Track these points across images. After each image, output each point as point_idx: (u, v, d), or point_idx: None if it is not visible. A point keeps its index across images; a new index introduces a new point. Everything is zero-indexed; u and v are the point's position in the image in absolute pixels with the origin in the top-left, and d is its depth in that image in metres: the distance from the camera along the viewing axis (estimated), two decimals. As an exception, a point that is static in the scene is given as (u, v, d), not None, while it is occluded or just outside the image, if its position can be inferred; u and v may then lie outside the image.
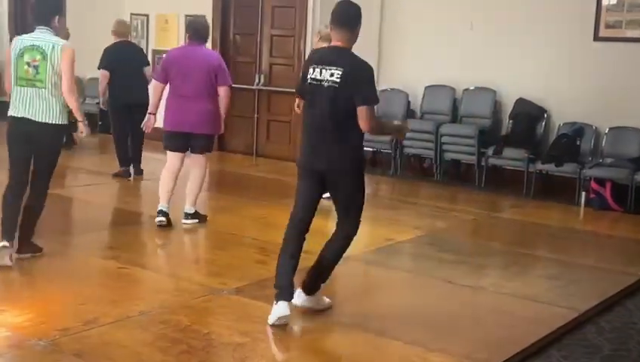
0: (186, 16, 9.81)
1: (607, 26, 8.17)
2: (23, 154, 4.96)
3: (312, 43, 9.37)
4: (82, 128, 5.27)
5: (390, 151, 9.26)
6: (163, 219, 6.10)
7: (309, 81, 4.11)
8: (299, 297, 4.23)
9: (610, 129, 8.14)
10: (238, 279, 4.83)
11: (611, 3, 8.13)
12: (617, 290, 5.04)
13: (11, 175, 4.98)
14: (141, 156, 8.33)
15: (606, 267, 5.72)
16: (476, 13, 8.91)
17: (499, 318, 4.46)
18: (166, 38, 10.78)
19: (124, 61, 8.24)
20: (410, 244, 6.08)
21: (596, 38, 8.24)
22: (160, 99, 6.34)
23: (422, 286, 5.08)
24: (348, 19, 4.25)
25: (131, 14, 11.12)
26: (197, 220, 6.29)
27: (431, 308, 4.63)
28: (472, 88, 8.97)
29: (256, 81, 10.16)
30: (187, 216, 6.26)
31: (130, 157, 8.27)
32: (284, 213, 6.98)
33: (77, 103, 5.12)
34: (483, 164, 8.60)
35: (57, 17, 5.03)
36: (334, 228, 4.33)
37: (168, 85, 6.29)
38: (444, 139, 8.83)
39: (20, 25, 13.32)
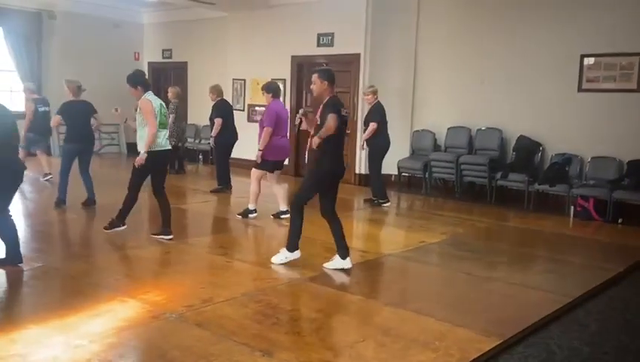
0: (272, 79, 10.03)
1: (588, 80, 7.93)
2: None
3: (361, 97, 9.45)
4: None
5: (422, 175, 9.16)
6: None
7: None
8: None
9: (592, 158, 7.86)
10: (311, 270, 4.84)
11: (591, 63, 7.89)
12: (601, 281, 4.84)
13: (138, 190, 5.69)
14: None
15: (591, 264, 5.50)
16: (486, 71, 8.79)
17: (508, 302, 4.34)
18: (258, 96, 11.01)
19: (230, 113, 8.53)
20: (438, 245, 5.99)
21: (580, 89, 8.00)
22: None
23: (448, 277, 4.99)
24: None
25: (233, 79, 11.41)
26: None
27: (456, 294, 4.55)
28: (483, 128, 8.81)
29: (322, 125, 10.22)
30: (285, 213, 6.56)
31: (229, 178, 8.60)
32: (345, 222, 6.91)
33: None
34: (493, 185, 8.40)
35: None
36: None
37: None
38: (463, 166, 8.68)
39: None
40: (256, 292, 4.23)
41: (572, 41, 7.98)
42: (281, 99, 10.66)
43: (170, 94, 9.97)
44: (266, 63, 10.76)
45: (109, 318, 3.64)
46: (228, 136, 8.41)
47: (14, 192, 4.53)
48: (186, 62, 12.91)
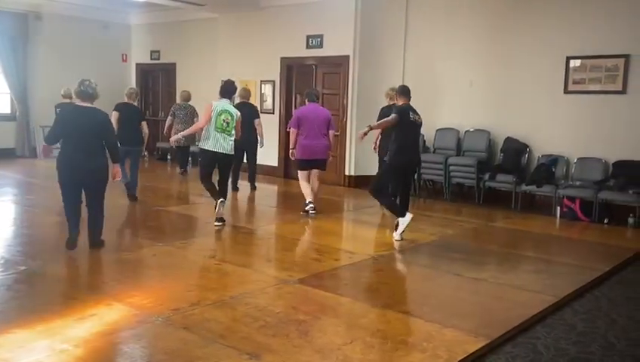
0: (261, 81, 9.93)
1: (574, 82, 8.00)
2: (212, 170, 6.36)
3: (352, 98, 9.45)
4: None
5: (411, 177, 9.18)
6: (313, 206, 7.07)
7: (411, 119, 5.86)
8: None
9: (578, 159, 7.92)
10: (301, 272, 4.82)
11: (577, 65, 7.96)
12: (587, 281, 4.87)
13: (208, 180, 6.40)
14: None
15: (578, 264, 5.52)
16: (474, 74, 8.83)
17: (496, 302, 4.35)
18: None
19: (245, 115, 8.52)
20: (427, 246, 5.99)
21: (566, 91, 8.06)
22: (297, 140, 7.07)
23: (437, 278, 4.98)
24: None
25: (221, 80, 11.29)
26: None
27: (444, 295, 4.55)
28: (471, 130, 8.85)
29: (312, 126, 10.24)
30: (313, 208, 7.07)
31: (237, 179, 8.85)
32: (334, 224, 7.06)
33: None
34: (481, 186, 8.44)
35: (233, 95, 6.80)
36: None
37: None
38: (451, 167, 8.71)
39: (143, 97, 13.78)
40: (245, 295, 4.20)
41: (558, 44, 8.04)
42: (271, 101, 10.73)
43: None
44: (256, 65, 10.73)
45: (95, 322, 3.59)
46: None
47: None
48: (174, 64, 12.84)
